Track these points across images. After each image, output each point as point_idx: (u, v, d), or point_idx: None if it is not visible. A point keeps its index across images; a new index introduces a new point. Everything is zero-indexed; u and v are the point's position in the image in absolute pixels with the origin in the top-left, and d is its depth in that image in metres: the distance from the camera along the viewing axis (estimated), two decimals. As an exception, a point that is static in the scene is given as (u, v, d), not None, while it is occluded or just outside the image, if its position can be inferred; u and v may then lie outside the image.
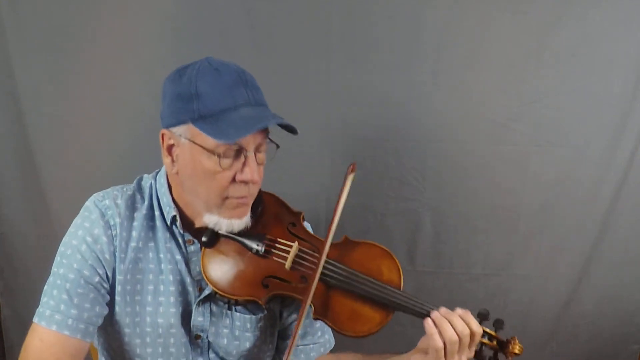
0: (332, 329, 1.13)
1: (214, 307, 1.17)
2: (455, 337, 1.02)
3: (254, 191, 1.11)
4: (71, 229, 1.11)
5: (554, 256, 1.82)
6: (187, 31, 1.72)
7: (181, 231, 1.14)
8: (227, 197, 1.07)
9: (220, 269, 1.12)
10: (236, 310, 1.18)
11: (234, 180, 1.06)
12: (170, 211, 1.13)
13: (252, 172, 1.05)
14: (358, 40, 1.71)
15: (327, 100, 1.76)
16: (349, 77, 1.73)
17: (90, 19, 1.73)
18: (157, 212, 1.15)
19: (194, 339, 1.17)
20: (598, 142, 1.73)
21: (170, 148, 1.09)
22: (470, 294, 1.85)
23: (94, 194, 1.14)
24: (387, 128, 1.76)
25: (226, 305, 1.17)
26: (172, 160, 1.10)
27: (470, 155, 1.77)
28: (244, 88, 1.05)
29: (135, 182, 1.19)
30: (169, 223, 1.14)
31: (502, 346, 1.12)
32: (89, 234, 1.09)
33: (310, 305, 1.11)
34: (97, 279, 1.09)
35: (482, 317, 1.09)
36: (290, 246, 1.13)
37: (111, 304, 1.12)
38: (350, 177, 1.13)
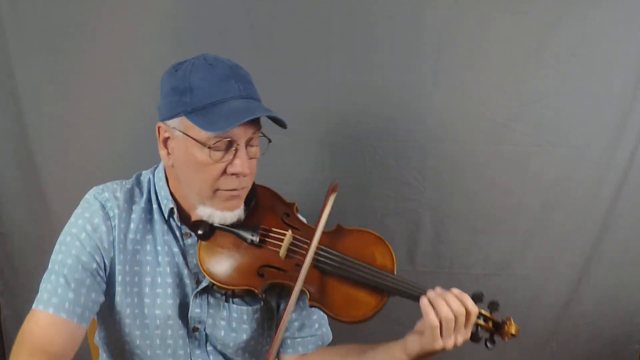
0: (329, 316, 1.15)
1: (211, 299, 1.19)
2: (451, 315, 1.02)
3: (245, 184, 1.13)
4: (71, 219, 1.14)
5: (554, 256, 1.82)
6: (187, 31, 1.72)
7: (178, 224, 1.17)
8: (218, 189, 1.10)
9: (217, 260, 1.14)
10: (233, 302, 1.19)
11: (225, 172, 1.08)
12: (167, 204, 1.16)
13: (242, 164, 1.07)
14: (358, 40, 1.71)
15: (327, 100, 1.76)
16: (349, 77, 1.73)
17: (90, 19, 1.74)
18: (155, 206, 1.17)
19: (192, 331, 1.19)
20: (598, 142, 1.73)
21: (165, 141, 1.12)
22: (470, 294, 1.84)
23: (93, 187, 1.17)
24: (387, 128, 1.76)
25: (223, 298, 1.19)
26: (168, 153, 1.13)
27: (470, 155, 1.77)
28: (235, 81, 1.07)
29: (134, 177, 1.22)
30: (166, 216, 1.16)
31: (498, 327, 1.13)
32: (89, 222, 1.12)
33: (306, 293, 1.12)
34: (94, 265, 1.10)
35: (476, 299, 1.09)
36: (284, 234, 1.15)
37: (111, 294, 1.14)
38: (331, 198, 1.15)
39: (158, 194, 1.18)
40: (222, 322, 1.19)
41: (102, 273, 1.12)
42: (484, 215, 1.81)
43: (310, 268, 1.11)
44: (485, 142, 1.76)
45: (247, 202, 1.17)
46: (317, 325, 1.26)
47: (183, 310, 1.17)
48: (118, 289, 1.14)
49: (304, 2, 1.70)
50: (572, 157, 1.75)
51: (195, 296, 1.17)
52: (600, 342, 1.88)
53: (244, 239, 1.15)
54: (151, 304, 1.15)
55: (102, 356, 1.27)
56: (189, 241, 1.18)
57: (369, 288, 1.13)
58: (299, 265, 1.12)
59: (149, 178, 1.21)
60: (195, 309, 1.18)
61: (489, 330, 1.13)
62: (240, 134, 1.06)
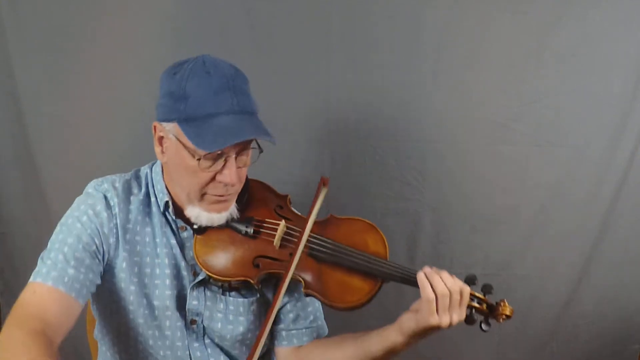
0: (324, 304, 1.16)
1: (208, 292, 1.21)
2: (446, 291, 1.05)
3: (232, 191, 1.15)
4: (73, 205, 1.17)
5: (554, 256, 1.82)
6: (187, 31, 1.72)
7: (173, 217, 1.19)
8: (205, 194, 1.12)
9: (212, 253, 1.16)
10: (230, 295, 1.21)
11: (214, 179, 1.10)
12: (163, 197, 1.19)
13: (231, 175, 1.09)
14: (358, 40, 1.71)
15: (327, 100, 1.76)
16: (349, 77, 1.73)
17: (90, 19, 1.73)
18: (153, 199, 1.20)
19: (190, 324, 1.21)
20: (598, 142, 1.73)
21: (160, 139, 1.14)
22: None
23: (93, 180, 1.20)
24: (386, 128, 1.76)
25: (220, 290, 1.21)
26: (162, 151, 1.15)
27: (471, 155, 1.77)
28: (230, 94, 1.07)
29: (132, 171, 1.25)
30: (162, 209, 1.19)
31: (492, 309, 1.14)
32: (91, 207, 1.15)
33: (300, 281, 1.14)
34: (93, 247, 1.13)
35: (469, 282, 1.11)
36: (278, 224, 1.17)
37: (116, 280, 1.17)
38: (322, 191, 1.17)
39: (155, 187, 1.21)
40: (219, 315, 1.21)
41: (100, 257, 1.14)
42: (484, 215, 1.81)
43: (303, 256, 1.14)
44: (486, 142, 1.76)
45: (239, 197, 1.20)
46: (312, 317, 1.28)
47: (181, 302, 1.19)
48: (122, 275, 1.16)
49: (304, 2, 1.70)
50: (572, 157, 1.75)
51: (192, 288, 1.19)
52: (600, 342, 1.88)
53: (239, 231, 1.18)
54: (150, 295, 1.17)
55: (101, 350, 1.28)
56: (185, 234, 1.21)
57: (363, 274, 1.15)
58: (293, 255, 1.14)
59: (147, 172, 1.24)
60: (193, 301, 1.20)
61: (484, 313, 1.14)
62: (230, 148, 1.08)
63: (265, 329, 1.08)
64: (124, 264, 1.16)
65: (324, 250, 1.16)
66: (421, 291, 1.05)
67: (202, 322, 1.21)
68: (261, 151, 1.16)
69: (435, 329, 1.06)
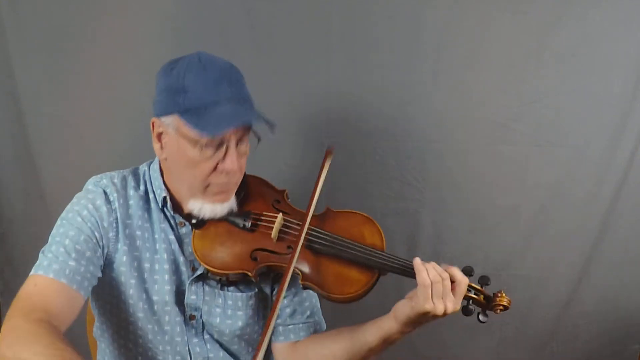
0: (321, 295, 1.17)
1: (206, 287, 1.22)
2: (438, 277, 1.07)
3: (235, 180, 1.17)
4: (73, 200, 1.19)
5: (554, 256, 1.82)
6: (187, 31, 1.72)
7: (171, 213, 1.21)
8: (209, 185, 1.14)
9: (211, 247, 1.18)
10: (228, 290, 1.23)
11: (215, 169, 1.13)
12: (160, 193, 1.20)
13: (232, 162, 1.12)
14: (358, 40, 1.71)
15: (326, 100, 1.76)
16: (349, 77, 1.73)
17: (90, 19, 1.73)
18: (151, 195, 1.22)
19: (189, 319, 1.22)
20: (598, 142, 1.73)
21: (159, 135, 1.16)
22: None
23: (92, 177, 1.22)
24: (387, 128, 1.76)
25: (218, 285, 1.22)
26: (161, 147, 1.17)
27: (471, 155, 1.77)
28: (227, 84, 1.11)
29: (131, 168, 1.27)
30: (160, 205, 1.21)
31: (489, 300, 1.15)
32: (91, 202, 1.17)
33: (298, 273, 1.15)
34: (94, 240, 1.14)
35: (466, 274, 1.12)
36: (275, 217, 1.19)
37: (116, 274, 1.18)
38: (327, 162, 1.22)
39: (153, 184, 1.22)
40: (218, 310, 1.22)
41: (100, 250, 1.15)
42: (484, 215, 1.81)
43: (301, 248, 1.15)
44: (486, 142, 1.76)
45: (238, 192, 1.21)
46: (309, 313, 1.29)
47: (180, 297, 1.21)
48: (122, 268, 1.17)
49: (304, 2, 1.69)
50: (572, 157, 1.75)
51: (191, 283, 1.21)
52: (600, 342, 1.88)
53: (236, 225, 1.19)
54: (150, 289, 1.19)
55: (100, 347, 1.29)
56: (183, 230, 1.22)
57: (360, 265, 1.16)
58: (291, 247, 1.16)
59: (145, 170, 1.26)
60: (191, 296, 1.21)
61: (481, 304, 1.15)
62: (231, 134, 1.11)
63: (270, 323, 1.07)
64: (124, 258, 1.17)
65: (322, 242, 1.17)
66: (417, 276, 1.07)
67: (200, 317, 1.23)
68: (259, 139, 1.19)
69: (430, 316, 1.07)
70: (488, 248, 1.82)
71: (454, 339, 1.90)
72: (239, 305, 1.23)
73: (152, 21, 1.74)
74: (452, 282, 1.09)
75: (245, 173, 1.24)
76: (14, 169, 1.88)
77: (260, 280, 1.23)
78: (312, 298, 1.31)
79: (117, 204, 1.18)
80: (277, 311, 1.08)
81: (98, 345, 1.30)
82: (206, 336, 1.24)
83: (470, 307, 1.14)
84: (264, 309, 1.28)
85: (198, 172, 1.12)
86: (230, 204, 1.19)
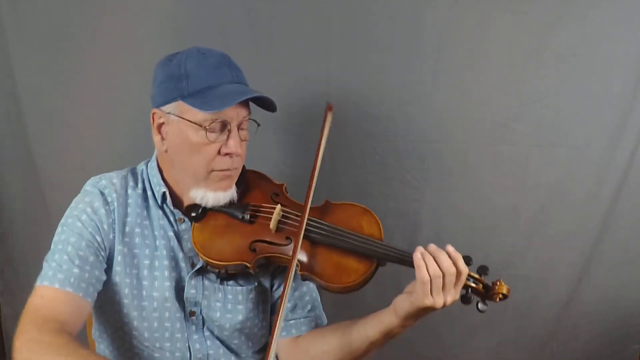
0: (320, 286, 1.18)
1: (206, 282, 1.23)
2: (439, 272, 1.05)
3: (237, 164, 1.19)
4: (71, 205, 1.20)
5: (554, 256, 1.82)
6: (187, 31, 1.72)
7: (171, 208, 1.22)
8: (212, 170, 1.16)
9: (210, 239, 1.19)
10: (227, 284, 1.24)
11: (218, 153, 1.15)
12: (160, 189, 1.22)
13: (236, 144, 1.15)
14: (358, 40, 1.71)
15: (326, 100, 1.75)
16: (349, 77, 1.73)
17: (90, 19, 1.74)
18: (149, 193, 1.23)
19: (189, 315, 1.23)
20: (598, 142, 1.73)
21: (160, 126, 1.19)
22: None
23: (91, 178, 1.23)
24: (387, 128, 1.76)
25: (218, 280, 1.23)
26: (162, 138, 1.19)
27: (471, 155, 1.76)
28: (228, 69, 1.17)
29: (128, 168, 1.29)
30: (159, 201, 1.22)
31: (488, 289, 1.15)
32: (89, 205, 1.18)
33: (297, 264, 1.16)
34: (96, 244, 1.15)
35: (465, 264, 1.12)
36: (274, 208, 1.20)
37: (111, 274, 1.18)
38: (329, 116, 1.25)
39: (151, 181, 1.24)
40: (218, 304, 1.23)
41: (103, 253, 1.17)
42: (484, 215, 1.81)
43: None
44: (486, 142, 1.76)
45: (237, 184, 1.23)
46: (310, 307, 1.30)
47: (179, 293, 1.22)
48: (117, 268, 1.18)
49: (304, 2, 1.69)
50: (572, 157, 1.74)
51: (190, 278, 1.22)
52: (600, 342, 1.88)
53: (235, 217, 1.21)
54: (149, 286, 1.19)
55: (99, 348, 1.29)
56: (182, 226, 1.23)
57: (358, 255, 1.17)
58: (289, 238, 1.18)
59: (143, 169, 1.27)
60: (191, 290, 1.22)
61: (480, 293, 1.16)
62: (233, 115, 1.14)
63: (280, 314, 1.08)
64: (119, 258, 1.18)
65: (320, 232, 1.18)
66: (416, 272, 1.07)
67: (200, 312, 1.23)
68: (258, 125, 1.23)
69: (430, 309, 1.08)
70: (488, 248, 1.82)
71: (454, 339, 1.90)
72: (238, 299, 1.24)
73: (152, 21, 1.74)
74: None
75: (244, 167, 1.26)
76: (14, 169, 1.88)
77: (259, 273, 1.25)
78: (312, 292, 1.32)
79: (115, 204, 1.19)
80: (284, 305, 1.08)
81: (97, 347, 1.31)
82: (206, 332, 1.25)
83: (469, 295, 1.14)
84: (263, 302, 1.29)
85: (202, 157, 1.15)
86: (232, 192, 1.21)
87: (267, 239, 1.20)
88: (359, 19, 1.69)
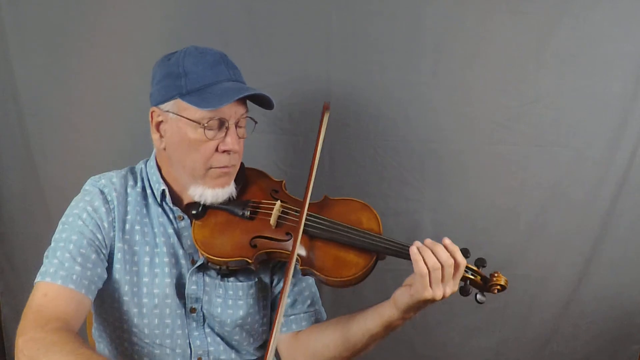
0: (320, 280, 1.19)
1: (206, 278, 1.24)
2: (438, 265, 1.06)
3: (234, 162, 1.20)
4: (72, 204, 1.21)
5: (554, 256, 1.82)
6: (187, 31, 1.72)
7: (171, 206, 1.23)
8: (210, 167, 1.17)
9: (211, 235, 1.20)
10: (228, 281, 1.25)
11: (216, 150, 1.17)
12: (159, 187, 1.23)
13: (233, 141, 1.16)
14: (358, 40, 1.71)
15: (327, 100, 1.75)
16: (349, 77, 1.73)
17: (90, 19, 1.73)
18: (149, 191, 1.24)
19: (189, 312, 1.23)
20: (598, 142, 1.73)
21: (158, 125, 1.20)
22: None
23: (91, 177, 1.24)
24: (387, 128, 1.76)
25: (219, 277, 1.24)
26: (160, 136, 1.20)
27: (470, 155, 1.76)
28: (225, 67, 1.18)
29: (127, 167, 1.29)
30: (159, 199, 1.23)
31: (486, 281, 1.16)
32: (90, 204, 1.18)
33: (297, 258, 1.17)
34: (97, 242, 1.16)
35: (463, 256, 1.12)
36: (274, 204, 1.21)
37: (111, 271, 1.19)
38: (326, 115, 1.26)
39: (150, 179, 1.25)
40: (219, 300, 1.24)
41: (104, 251, 1.17)
42: (484, 215, 1.81)
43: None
44: (486, 142, 1.76)
45: (237, 182, 1.25)
46: (309, 302, 1.31)
47: (180, 290, 1.22)
48: (117, 266, 1.19)
49: (304, 2, 1.69)
50: (572, 158, 1.75)
51: (191, 274, 1.22)
52: (600, 342, 1.88)
53: (236, 214, 1.22)
54: (150, 283, 1.20)
55: (99, 347, 1.30)
56: (182, 224, 1.24)
57: (358, 249, 1.18)
58: (289, 234, 1.19)
59: (142, 168, 1.28)
60: (192, 286, 1.23)
61: (478, 285, 1.16)
62: (231, 113, 1.15)
63: (280, 307, 1.08)
64: (119, 255, 1.19)
65: (320, 226, 1.19)
66: (414, 266, 1.07)
67: (201, 309, 1.24)
68: (255, 122, 1.24)
69: (430, 301, 1.08)
70: (488, 248, 1.81)
71: (454, 339, 1.90)
72: (239, 294, 1.25)
73: (152, 21, 1.74)
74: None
75: (244, 165, 1.28)
76: (14, 168, 1.88)
77: (260, 269, 1.26)
78: (311, 287, 1.33)
79: (115, 203, 1.20)
80: (284, 299, 1.09)
81: (97, 346, 1.31)
82: (207, 329, 1.26)
83: (468, 287, 1.15)
84: (264, 299, 1.30)
85: (200, 154, 1.16)
86: (231, 189, 1.22)
87: (268, 235, 1.21)
88: (359, 19, 1.69)
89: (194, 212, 1.21)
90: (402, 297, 1.10)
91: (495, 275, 1.16)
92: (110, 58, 1.76)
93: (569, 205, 1.78)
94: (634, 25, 1.65)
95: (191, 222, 1.23)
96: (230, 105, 1.14)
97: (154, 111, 1.20)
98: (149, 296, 1.20)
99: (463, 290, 1.15)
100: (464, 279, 1.14)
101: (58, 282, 1.09)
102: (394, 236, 1.20)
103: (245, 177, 1.29)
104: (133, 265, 1.20)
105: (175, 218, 1.24)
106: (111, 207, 1.20)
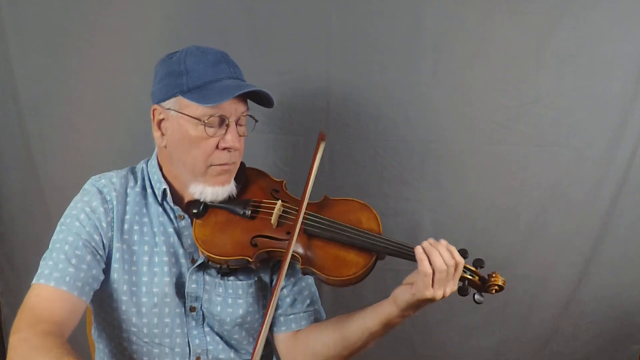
0: (321, 279, 1.19)
1: (207, 277, 1.24)
2: (444, 266, 1.07)
3: (234, 159, 1.21)
4: (71, 204, 1.21)
5: (554, 256, 1.81)
6: (187, 31, 1.72)
7: (172, 205, 1.23)
8: (210, 165, 1.17)
9: (212, 234, 1.20)
10: (228, 279, 1.25)
11: (217, 148, 1.17)
12: (160, 186, 1.23)
13: (234, 138, 1.16)
14: (358, 40, 1.71)
15: (326, 100, 1.76)
16: (349, 77, 1.73)
17: (91, 19, 1.74)
18: (149, 190, 1.25)
19: (189, 311, 1.24)
20: (598, 142, 1.73)
21: (160, 122, 1.20)
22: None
23: (91, 177, 1.25)
24: (387, 128, 1.76)
25: (219, 276, 1.25)
26: (162, 134, 1.20)
27: (470, 155, 1.76)
28: (226, 65, 1.19)
29: (128, 167, 1.30)
30: (160, 198, 1.23)
31: (484, 281, 1.17)
32: (88, 205, 1.19)
33: (297, 258, 1.18)
34: (93, 243, 1.16)
35: (461, 256, 1.14)
36: (274, 204, 1.22)
37: (109, 271, 1.19)
38: (321, 145, 1.24)
39: (151, 178, 1.25)
40: (218, 298, 1.24)
41: (101, 252, 1.17)
42: (484, 215, 1.80)
43: (300, 233, 1.18)
44: (486, 142, 1.76)
45: (238, 180, 1.25)
46: (309, 301, 1.31)
47: (180, 289, 1.23)
48: (115, 265, 1.19)
49: (304, 2, 1.69)
50: (572, 158, 1.74)
51: (192, 273, 1.23)
52: (600, 342, 1.88)
53: (236, 213, 1.22)
54: (149, 282, 1.20)
55: (98, 348, 1.30)
56: (182, 223, 1.24)
57: (357, 248, 1.19)
58: (290, 233, 1.19)
59: (142, 167, 1.28)
60: (192, 285, 1.23)
61: (476, 285, 1.17)
62: (232, 110, 1.16)
63: (272, 300, 1.10)
64: (118, 255, 1.19)
65: (320, 226, 1.20)
66: (419, 265, 1.08)
67: (201, 308, 1.24)
68: (256, 121, 1.25)
69: (430, 301, 1.09)
70: (488, 248, 1.81)
71: (454, 339, 1.90)
72: (239, 293, 1.25)
73: (152, 21, 1.74)
74: None
75: (245, 165, 1.28)
76: (14, 168, 1.88)
77: (260, 268, 1.26)
78: (311, 287, 1.33)
79: (114, 202, 1.20)
80: (277, 293, 1.10)
81: (96, 347, 1.31)
82: (206, 328, 1.26)
83: (466, 287, 1.16)
84: (263, 298, 1.30)
85: (200, 151, 1.16)
86: (231, 187, 1.22)
87: (268, 234, 1.21)
88: (359, 19, 1.70)
89: (194, 210, 1.21)
90: (403, 295, 1.11)
91: (493, 275, 1.16)
92: (110, 58, 1.76)
93: (569, 205, 1.78)
94: (634, 25, 1.65)
95: (192, 221, 1.23)
96: (231, 103, 1.14)
97: (155, 109, 1.21)
98: (148, 295, 1.20)
99: (461, 290, 1.15)
100: (462, 279, 1.14)
101: (51, 284, 1.10)
102: (394, 236, 1.20)
103: (246, 177, 1.30)
104: (132, 265, 1.20)
105: (175, 217, 1.24)
106: (110, 207, 1.20)
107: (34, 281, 1.12)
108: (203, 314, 1.25)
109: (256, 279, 1.27)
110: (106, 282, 1.20)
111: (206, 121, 1.14)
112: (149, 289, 1.20)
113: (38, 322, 1.04)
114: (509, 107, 1.73)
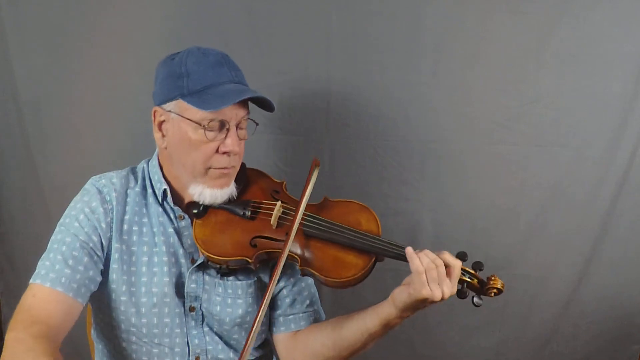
0: (320, 281, 1.19)
1: (206, 277, 1.24)
2: (432, 265, 1.09)
3: (234, 163, 1.21)
4: (71, 204, 1.21)
5: (554, 256, 1.81)
6: (187, 31, 1.72)
7: (172, 205, 1.23)
8: (210, 168, 1.18)
9: (212, 234, 1.21)
10: (228, 280, 1.25)
11: (217, 151, 1.17)
12: (161, 187, 1.23)
13: (233, 142, 1.16)
14: (358, 40, 1.71)
15: (326, 100, 1.76)
16: (349, 77, 1.73)
17: (91, 19, 1.74)
18: (149, 190, 1.25)
19: (189, 310, 1.24)
20: (598, 142, 1.73)
21: (160, 124, 1.20)
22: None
23: (92, 177, 1.25)
24: (387, 128, 1.76)
25: (218, 276, 1.25)
26: (162, 135, 1.20)
27: (470, 155, 1.76)
28: (227, 68, 1.18)
29: (128, 167, 1.30)
30: (160, 198, 1.23)
31: (483, 284, 1.17)
32: (87, 205, 1.19)
33: (296, 259, 1.18)
34: (91, 244, 1.16)
35: (460, 259, 1.15)
36: (274, 205, 1.22)
37: (108, 272, 1.19)
38: (315, 172, 1.24)
39: (152, 178, 1.25)
40: (218, 298, 1.25)
41: (99, 253, 1.17)
42: (484, 215, 1.80)
43: (299, 234, 1.18)
44: (486, 142, 1.76)
45: (238, 181, 1.25)
46: (308, 301, 1.31)
47: (179, 289, 1.23)
48: (114, 266, 1.19)
49: (304, 2, 1.69)
50: (572, 158, 1.74)
51: (191, 273, 1.23)
52: (600, 342, 1.88)
53: (236, 214, 1.23)
54: (148, 282, 1.20)
55: (97, 348, 1.30)
56: (182, 223, 1.24)
57: (357, 250, 1.19)
58: (289, 234, 1.18)
59: (143, 167, 1.28)
60: (191, 285, 1.23)
61: (475, 287, 1.17)
62: (232, 115, 1.15)
63: (265, 299, 1.10)
64: (117, 255, 1.19)
65: (319, 227, 1.20)
66: (410, 264, 1.10)
67: (200, 307, 1.24)
68: (257, 124, 1.24)
69: (428, 301, 1.09)
70: (488, 248, 1.81)
71: (454, 339, 1.90)
72: (238, 293, 1.25)
73: (152, 21, 1.74)
74: (447, 267, 1.11)
75: (245, 165, 1.28)
76: (14, 168, 1.88)
77: (259, 269, 1.26)
78: (310, 287, 1.33)
79: (114, 203, 1.20)
80: (270, 292, 1.11)
81: (95, 347, 1.31)
82: (205, 328, 1.26)
83: (465, 290, 1.16)
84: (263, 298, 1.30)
85: (200, 154, 1.16)
86: (230, 190, 1.22)
87: (268, 235, 1.21)
88: (359, 19, 1.69)
89: (195, 211, 1.22)
90: (401, 295, 1.11)
91: (492, 278, 1.16)
92: (110, 58, 1.76)
93: (569, 205, 1.78)
94: (634, 25, 1.65)
95: (192, 221, 1.23)
96: (231, 107, 1.14)
97: (156, 111, 1.20)
98: (148, 295, 1.20)
99: (460, 294, 1.15)
100: (461, 281, 1.14)
101: (47, 284, 1.10)
102: (393, 236, 1.20)
103: (246, 177, 1.30)
104: (131, 266, 1.20)
105: (175, 217, 1.24)
106: (109, 207, 1.20)
107: (31, 280, 1.13)
108: (202, 314, 1.25)
109: (255, 279, 1.27)
110: (105, 283, 1.20)
111: (206, 125, 1.14)
112: (149, 289, 1.20)
113: (34, 323, 1.05)
114: (509, 107, 1.73)
